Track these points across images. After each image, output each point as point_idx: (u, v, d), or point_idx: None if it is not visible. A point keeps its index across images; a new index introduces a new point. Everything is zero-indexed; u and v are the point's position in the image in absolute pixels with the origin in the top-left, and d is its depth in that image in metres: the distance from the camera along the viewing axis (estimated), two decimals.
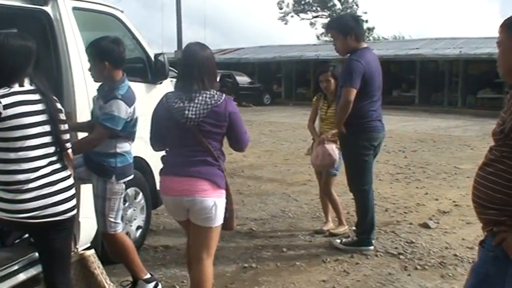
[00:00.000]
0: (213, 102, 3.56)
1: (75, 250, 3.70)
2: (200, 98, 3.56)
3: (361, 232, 5.50)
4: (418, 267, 5.08)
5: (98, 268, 3.72)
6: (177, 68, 4.57)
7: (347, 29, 5.21)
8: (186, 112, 3.52)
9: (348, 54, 5.27)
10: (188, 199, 3.58)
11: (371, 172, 5.51)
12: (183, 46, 4.67)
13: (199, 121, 3.53)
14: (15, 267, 3.93)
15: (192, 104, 3.54)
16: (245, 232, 6.15)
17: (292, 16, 54.12)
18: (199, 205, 3.57)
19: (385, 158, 10.72)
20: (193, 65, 3.62)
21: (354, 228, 5.73)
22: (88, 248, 3.84)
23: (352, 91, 5.05)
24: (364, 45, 5.33)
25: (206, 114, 3.54)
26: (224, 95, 3.65)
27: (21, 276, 3.95)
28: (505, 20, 2.52)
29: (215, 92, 3.63)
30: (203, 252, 3.70)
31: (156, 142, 3.83)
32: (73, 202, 3.21)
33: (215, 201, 3.59)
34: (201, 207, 3.57)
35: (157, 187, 5.44)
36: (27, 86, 3.05)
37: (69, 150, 3.29)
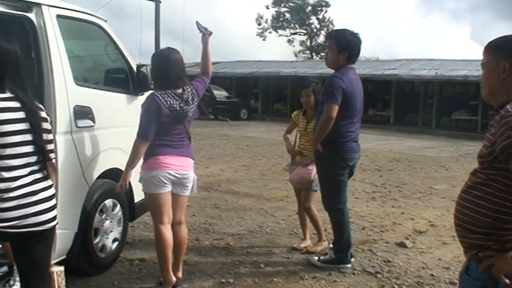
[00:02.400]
0: (195, 99, 4.63)
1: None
2: (189, 98, 4.54)
3: (338, 250, 5.48)
4: (395, 286, 5.07)
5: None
6: (154, 70, 4.72)
7: (343, 45, 5.20)
8: (189, 114, 4.55)
9: (333, 71, 5.28)
10: (186, 173, 4.59)
11: (346, 191, 5.51)
12: None
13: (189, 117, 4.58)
14: None
15: (188, 107, 4.52)
16: (222, 247, 6.10)
17: (270, 32, 54.44)
18: (190, 178, 4.64)
19: (361, 176, 10.78)
20: (171, 67, 4.51)
21: (331, 245, 5.72)
22: (60, 263, 3.73)
23: (333, 107, 5.06)
24: (351, 65, 5.33)
25: (193, 112, 4.61)
26: (192, 86, 4.67)
27: None
28: (490, 42, 2.54)
29: (189, 87, 4.64)
30: (183, 216, 4.80)
31: (149, 137, 4.45)
32: (54, 212, 3.15)
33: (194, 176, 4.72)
34: (190, 179, 4.64)
35: (135, 199, 5.45)
36: (8, 93, 2.99)
37: (53, 160, 3.23)
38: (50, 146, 3.21)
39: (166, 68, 4.53)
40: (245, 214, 7.68)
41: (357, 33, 5.30)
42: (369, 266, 5.58)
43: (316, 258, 5.56)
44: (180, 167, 4.55)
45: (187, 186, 4.69)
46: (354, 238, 5.77)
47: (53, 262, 3.99)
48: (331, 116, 5.08)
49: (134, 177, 4.91)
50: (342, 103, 5.09)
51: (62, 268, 3.73)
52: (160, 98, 4.43)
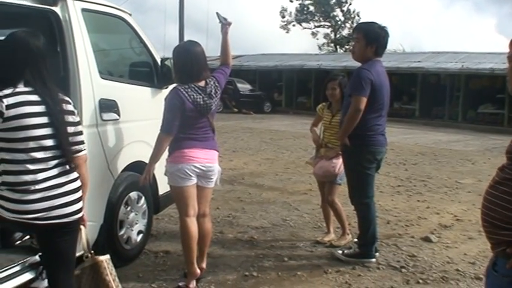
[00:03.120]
0: (218, 92, 4.63)
1: (89, 255, 3.64)
2: (212, 92, 4.56)
3: (363, 244, 5.45)
4: (420, 281, 5.03)
5: (110, 274, 3.66)
6: (176, 63, 4.70)
7: (371, 38, 5.16)
8: (212, 108, 4.58)
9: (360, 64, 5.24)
10: (211, 166, 4.62)
11: (373, 185, 5.47)
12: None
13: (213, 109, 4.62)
14: (16, 269, 3.87)
15: (212, 100, 4.54)
16: (246, 240, 6.11)
17: (294, 25, 54.15)
18: (215, 170, 4.68)
19: (386, 170, 10.70)
20: (192, 60, 4.50)
21: (355, 240, 5.69)
22: (103, 253, 3.77)
23: (362, 99, 5.01)
24: (378, 58, 5.28)
25: (216, 105, 4.65)
26: (215, 79, 4.67)
27: (22, 278, 3.89)
28: None
29: (212, 80, 4.64)
30: (207, 208, 4.84)
31: (172, 131, 4.48)
32: (80, 204, 3.17)
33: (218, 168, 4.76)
34: (215, 172, 4.68)
35: (160, 192, 5.48)
36: (31, 86, 3.02)
37: (82, 152, 3.26)
38: (78, 138, 3.23)
39: (188, 62, 4.53)
40: (269, 207, 7.68)
41: (384, 27, 5.25)
42: (394, 260, 5.54)
43: (341, 252, 5.54)
44: (205, 159, 4.57)
45: (211, 179, 4.71)
46: (379, 232, 5.73)
47: (78, 254, 4.05)
48: (359, 108, 5.03)
49: (159, 170, 4.94)
50: (369, 96, 5.05)
51: (108, 256, 3.77)
52: (184, 92, 4.43)
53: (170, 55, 5.02)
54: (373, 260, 5.42)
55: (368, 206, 5.40)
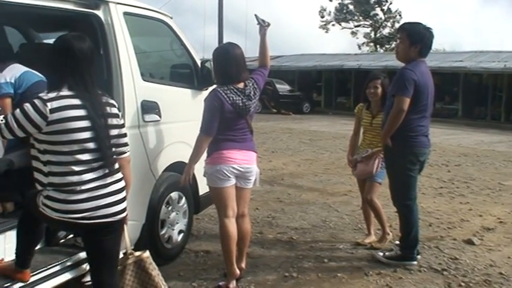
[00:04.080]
0: (256, 93, 4.64)
1: (132, 252, 3.71)
2: (251, 93, 4.58)
3: (404, 247, 5.40)
4: (462, 284, 4.96)
5: (154, 270, 3.74)
6: (215, 65, 4.74)
7: (416, 38, 5.10)
8: (251, 109, 4.60)
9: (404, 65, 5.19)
10: (249, 167, 4.65)
11: (415, 187, 5.40)
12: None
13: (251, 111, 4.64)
14: (60, 267, 3.97)
15: (250, 102, 4.56)
16: (285, 241, 6.12)
17: (333, 25, 53.94)
18: (254, 171, 4.70)
19: (428, 172, 10.54)
20: (231, 62, 4.55)
21: (397, 242, 5.64)
22: (143, 250, 3.85)
23: (405, 100, 4.95)
24: (422, 59, 5.23)
25: (255, 106, 4.66)
26: (253, 80, 4.68)
27: (66, 276, 3.99)
28: None
29: (251, 82, 4.65)
30: (246, 209, 4.87)
31: (211, 132, 4.51)
32: (124, 204, 3.24)
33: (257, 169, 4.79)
34: (253, 173, 4.70)
35: (200, 192, 5.54)
36: (74, 90, 3.07)
37: (126, 154, 3.32)
38: (122, 140, 3.31)
39: (227, 63, 4.56)
40: (308, 208, 7.67)
41: (429, 27, 5.18)
42: (436, 263, 5.47)
43: (381, 254, 5.50)
44: (244, 160, 4.60)
45: (250, 180, 4.73)
46: (421, 235, 5.65)
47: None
48: (402, 108, 4.97)
49: (199, 171, 4.99)
50: (413, 96, 4.98)
51: (147, 252, 3.85)
52: (223, 94, 4.46)
53: (209, 56, 5.06)
54: (415, 262, 5.36)
55: (410, 208, 5.34)
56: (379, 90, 5.73)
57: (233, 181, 4.60)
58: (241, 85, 4.57)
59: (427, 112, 5.21)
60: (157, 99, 4.88)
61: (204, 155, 4.69)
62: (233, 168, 4.54)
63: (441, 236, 6.44)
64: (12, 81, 4.27)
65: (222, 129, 4.52)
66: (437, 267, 5.35)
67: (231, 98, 4.46)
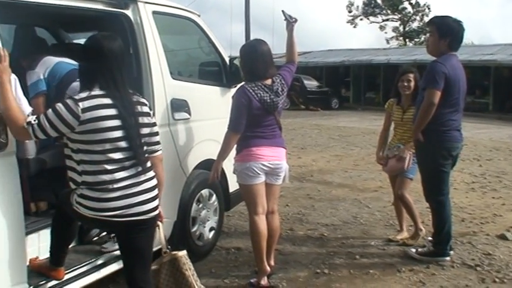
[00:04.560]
0: (284, 89, 4.62)
1: (167, 250, 3.74)
2: (279, 90, 4.55)
3: (437, 242, 5.33)
4: (497, 280, 4.88)
5: (189, 269, 3.74)
6: (243, 62, 4.74)
7: (445, 31, 5.04)
8: (279, 105, 4.57)
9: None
10: (279, 163, 4.63)
11: (448, 182, 5.34)
12: None
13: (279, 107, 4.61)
14: (93, 265, 4.01)
15: (278, 98, 4.53)
16: (316, 237, 6.10)
17: (361, 19, 53.64)
18: (283, 167, 4.67)
19: (460, 166, 10.36)
20: (258, 59, 4.53)
21: (429, 238, 5.58)
22: (177, 249, 3.87)
23: (435, 93, 4.89)
24: (454, 53, 5.16)
25: (283, 102, 4.63)
26: (281, 76, 4.67)
27: (99, 274, 4.03)
28: None
29: (278, 78, 4.63)
30: (275, 205, 4.84)
31: (239, 129, 4.52)
32: (156, 202, 3.25)
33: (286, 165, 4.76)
34: (283, 169, 4.67)
35: (230, 189, 5.55)
36: (104, 89, 3.09)
37: (158, 152, 3.35)
38: (154, 139, 3.33)
39: (254, 60, 4.55)
40: (339, 204, 7.63)
41: (459, 20, 5.11)
42: (469, 258, 5.40)
43: (414, 250, 5.45)
44: (273, 157, 4.58)
45: (279, 176, 4.71)
46: (453, 230, 5.57)
47: (155, 249, 4.15)
48: (433, 101, 4.91)
49: (229, 168, 5.00)
50: (444, 90, 4.92)
51: (185, 252, 3.87)
52: (251, 90, 4.45)
53: (236, 54, 5.06)
54: (448, 258, 5.30)
55: (443, 204, 5.27)
56: (412, 83, 5.66)
57: (263, 178, 4.59)
58: (268, 81, 4.56)
59: (459, 106, 5.14)
60: (187, 97, 4.91)
61: (233, 152, 4.70)
62: (263, 165, 4.54)
63: (474, 231, 6.35)
64: (46, 75, 4.33)
65: (250, 126, 4.51)
66: (470, 262, 5.29)
67: (259, 95, 4.45)
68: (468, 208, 7.45)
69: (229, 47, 28.94)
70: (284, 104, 4.75)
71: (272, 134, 4.62)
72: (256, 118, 4.50)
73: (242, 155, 4.57)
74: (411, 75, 5.70)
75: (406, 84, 5.70)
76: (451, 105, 5.04)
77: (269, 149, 4.57)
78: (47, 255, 3.67)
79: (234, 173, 4.74)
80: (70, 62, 4.42)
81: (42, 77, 4.33)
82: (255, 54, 4.57)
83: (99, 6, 4.23)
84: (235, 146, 4.64)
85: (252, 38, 33.03)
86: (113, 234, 4.10)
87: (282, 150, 4.70)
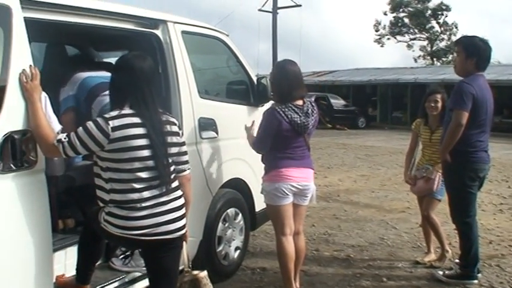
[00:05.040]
0: (314, 112, 4.59)
1: (189, 269, 3.73)
2: (309, 111, 4.52)
3: (464, 265, 5.26)
4: None
5: None
6: (273, 83, 4.73)
7: (471, 50, 5.02)
8: (310, 127, 4.55)
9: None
10: (307, 184, 4.60)
11: (475, 204, 5.27)
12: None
13: (310, 129, 4.58)
14: (119, 283, 4.03)
15: (308, 119, 4.49)
16: (342, 258, 6.05)
17: (388, 38, 53.56)
18: (311, 188, 4.65)
19: (487, 188, 10.26)
20: (289, 79, 4.51)
21: (457, 260, 5.50)
22: (202, 269, 3.87)
23: (463, 114, 4.85)
24: (481, 73, 5.12)
25: (313, 124, 4.59)
26: (310, 101, 4.66)
27: None
28: None
29: (309, 101, 4.63)
30: (301, 226, 4.83)
31: (264, 149, 4.61)
32: (183, 221, 3.26)
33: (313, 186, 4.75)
34: (310, 190, 4.65)
35: (256, 209, 5.54)
36: (134, 108, 3.12)
37: (186, 172, 3.36)
38: (183, 158, 3.36)
39: (285, 81, 4.52)
40: (365, 225, 7.57)
41: (486, 40, 5.08)
42: (497, 282, 5.31)
43: (441, 273, 5.37)
44: (302, 178, 4.56)
45: (307, 197, 4.69)
46: (481, 252, 5.50)
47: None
48: (460, 122, 4.87)
49: (255, 187, 4.99)
50: (471, 111, 4.88)
51: (206, 272, 3.86)
52: (281, 112, 4.41)
53: (264, 72, 5.07)
54: (475, 281, 5.22)
55: (470, 225, 5.20)
56: (439, 104, 5.63)
57: (291, 199, 4.57)
58: (299, 102, 4.53)
59: (486, 127, 5.09)
60: (214, 116, 4.93)
61: (261, 172, 4.69)
62: (291, 185, 4.51)
63: (502, 254, 6.24)
64: (75, 92, 4.40)
65: (280, 147, 4.50)
66: (498, 286, 5.21)
67: (289, 116, 4.41)
68: (496, 230, 7.33)
69: (257, 66, 29.14)
70: (315, 125, 4.68)
71: (301, 155, 4.59)
72: (285, 139, 4.49)
73: (271, 176, 4.56)
74: (438, 96, 5.66)
75: (433, 104, 5.66)
76: (478, 126, 4.99)
77: (298, 170, 4.54)
78: (74, 272, 3.70)
79: (261, 193, 4.73)
80: (98, 75, 4.47)
81: (71, 93, 4.41)
82: (285, 75, 4.55)
83: (130, 26, 4.29)
84: (263, 165, 4.64)
85: (279, 56, 33.28)
86: (122, 253, 4.14)
87: (310, 171, 4.68)
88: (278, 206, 4.55)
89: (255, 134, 4.75)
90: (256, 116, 5.20)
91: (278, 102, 4.58)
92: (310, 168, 4.68)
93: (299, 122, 4.44)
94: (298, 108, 4.48)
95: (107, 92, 3.46)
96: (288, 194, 4.52)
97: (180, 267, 3.70)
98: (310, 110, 4.56)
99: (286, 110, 4.43)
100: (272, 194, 4.55)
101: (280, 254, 4.62)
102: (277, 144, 4.49)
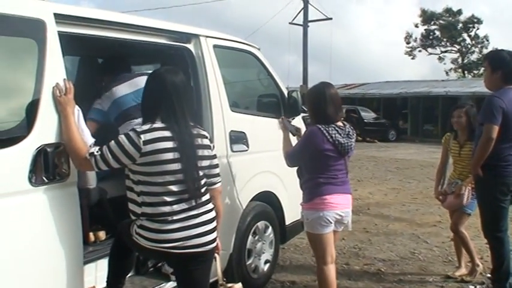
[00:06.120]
0: (354, 134, 4.50)
1: (223, 282, 3.75)
2: (350, 132, 4.43)
3: (496, 280, 5.17)
4: None
5: None
6: (311, 107, 4.55)
7: (497, 64, 4.99)
8: (352, 148, 4.43)
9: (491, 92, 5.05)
10: (348, 211, 4.48)
11: (507, 218, 5.19)
12: (308, 81, 4.85)
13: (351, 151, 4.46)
14: None
15: (351, 140, 4.40)
16: (373, 272, 6.00)
17: (419, 51, 53.26)
18: (349, 214, 4.52)
19: None
20: (328, 103, 4.37)
21: (488, 275, 5.42)
22: (236, 282, 3.88)
23: (493, 128, 4.80)
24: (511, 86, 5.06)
25: (354, 147, 4.48)
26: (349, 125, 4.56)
27: None
28: None
29: (348, 124, 4.54)
30: (334, 252, 4.54)
31: (295, 163, 4.55)
32: (214, 234, 3.28)
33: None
34: (349, 216, 4.52)
35: (286, 222, 5.53)
36: (165, 122, 3.16)
37: (217, 185, 3.39)
38: (214, 171, 3.39)
39: (325, 105, 4.38)
40: (396, 239, 7.50)
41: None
42: None
43: (473, 287, 5.29)
44: (345, 205, 4.43)
45: (345, 223, 4.54)
46: None
47: (211, 280, 4.17)
48: (491, 136, 4.82)
49: (285, 200, 4.98)
50: (502, 125, 4.83)
51: (240, 284, 3.87)
52: (324, 131, 4.27)
53: (294, 84, 5.06)
54: None
55: (501, 240, 5.13)
56: (463, 119, 5.60)
57: (333, 226, 4.42)
58: (340, 124, 4.42)
59: None
60: (245, 129, 4.96)
61: (290, 184, 4.63)
62: (336, 214, 4.36)
63: None
64: (107, 108, 4.45)
65: (321, 169, 4.36)
66: None
67: (333, 136, 4.28)
68: None
69: (287, 78, 29.19)
70: (354, 147, 4.54)
71: (343, 180, 4.45)
72: (327, 160, 4.34)
73: (315, 203, 4.36)
74: (462, 111, 5.65)
75: (456, 119, 5.67)
76: (509, 140, 4.92)
77: (341, 197, 4.40)
78: (104, 285, 3.72)
79: (302, 219, 4.61)
80: (134, 92, 4.43)
81: (100, 107, 4.46)
82: (324, 99, 4.39)
83: (162, 41, 4.36)
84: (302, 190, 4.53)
85: (309, 69, 33.33)
86: (153, 266, 4.16)
87: (350, 196, 4.54)
88: (321, 234, 4.39)
89: (292, 145, 4.67)
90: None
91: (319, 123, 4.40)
92: (350, 194, 4.56)
93: (343, 142, 4.31)
94: (341, 129, 4.37)
95: (137, 120, 3.49)
96: (331, 222, 4.37)
97: (214, 279, 3.72)
98: (351, 131, 4.47)
99: (330, 129, 4.30)
100: (316, 222, 4.37)
101: (321, 283, 4.49)
102: (319, 166, 4.36)
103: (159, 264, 4.38)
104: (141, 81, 4.51)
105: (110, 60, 4.90)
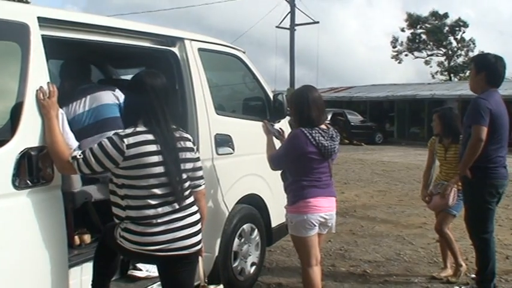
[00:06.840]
0: (338, 137, 4.46)
1: (205, 284, 3.75)
2: (334, 135, 4.40)
3: (481, 280, 5.22)
4: None
5: None
6: (295, 110, 4.53)
7: (480, 66, 5.07)
8: (336, 151, 4.39)
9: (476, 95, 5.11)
10: (332, 213, 4.48)
11: (493, 220, 5.24)
12: (295, 84, 4.87)
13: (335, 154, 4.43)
14: None
15: (334, 143, 4.36)
16: (359, 274, 6.04)
17: (406, 54, 53.53)
18: (334, 217, 4.53)
19: (505, 203, 10.14)
20: (311, 106, 4.36)
21: (473, 276, 5.47)
22: (217, 284, 3.89)
23: (482, 129, 4.84)
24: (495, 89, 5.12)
25: (338, 149, 4.44)
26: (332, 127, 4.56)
27: None
28: None
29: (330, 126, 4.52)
30: (319, 254, 4.56)
31: (280, 166, 4.55)
32: (199, 237, 3.29)
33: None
34: (333, 219, 4.53)
35: (272, 224, 5.55)
36: (148, 126, 3.16)
37: (201, 187, 3.41)
38: (197, 174, 3.40)
39: (308, 108, 4.37)
40: (382, 241, 7.55)
41: (498, 56, 5.08)
42: None
43: None
44: (329, 207, 4.44)
45: (329, 226, 4.54)
46: (497, 268, 5.45)
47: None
48: (480, 137, 4.85)
49: (271, 203, 5.00)
50: (489, 125, 4.87)
51: (221, 286, 3.88)
52: (307, 134, 4.28)
53: (281, 88, 5.09)
54: None
55: (487, 241, 5.17)
56: (435, 123, 5.81)
57: (317, 229, 4.41)
58: (323, 126, 4.41)
59: (504, 142, 5.08)
60: (231, 132, 4.98)
61: (277, 188, 4.65)
62: (320, 216, 4.37)
63: None
64: (89, 109, 4.42)
65: (305, 172, 4.36)
66: None
67: (317, 139, 4.27)
68: None
69: (274, 82, 29.25)
70: (338, 150, 4.51)
71: (326, 182, 4.45)
72: (311, 163, 4.33)
73: (299, 207, 4.37)
74: (435, 115, 5.82)
75: (432, 124, 5.82)
76: (497, 142, 4.98)
77: (325, 200, 4.42)
78: None
79: (286, 222, 4.60)
80: (88, 110, 4.41)
81: (79, 110, 4.39)
82: (307, 102, 4.38)
83: (147, 44, 4.36)
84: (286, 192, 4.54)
85: (296, 72, 33.41)
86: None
87: (334, 199, 4.55)
88: (305, 237, 4.40)
89: (276, 148, 4.67)
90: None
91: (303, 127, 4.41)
92: (334, 196, 4.57)
93: (326, 145, 4.30)
94: (325, 132, 4.36)
95: (108, 133, 3.45)
96: (315, 225, 4.37)
97: (196, 283, 3.73)
98: (334, 134, 4.45)
99: (313, 132, 4.30)
100: (300, 225, 4.38)
101: (307, 285, 4.51)
102: (302, 170, 4.36)
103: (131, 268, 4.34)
104: (99, 98, 4.45)
105: (68, 64, 4.78)
